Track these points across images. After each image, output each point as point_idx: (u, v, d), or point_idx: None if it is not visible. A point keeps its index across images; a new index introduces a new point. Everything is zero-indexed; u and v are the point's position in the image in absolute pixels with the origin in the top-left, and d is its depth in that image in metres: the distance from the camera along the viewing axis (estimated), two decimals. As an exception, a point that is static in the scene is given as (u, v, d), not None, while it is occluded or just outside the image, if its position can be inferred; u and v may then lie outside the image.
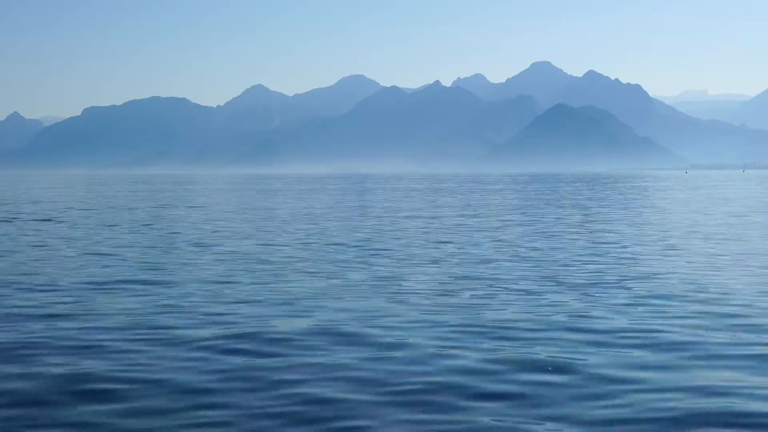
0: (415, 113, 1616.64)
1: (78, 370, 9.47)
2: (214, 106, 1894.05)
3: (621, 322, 12.09)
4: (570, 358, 9.87)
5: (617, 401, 8.27)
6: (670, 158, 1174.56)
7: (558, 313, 12.77)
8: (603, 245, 23.55)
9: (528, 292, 14.82)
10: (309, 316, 12.59)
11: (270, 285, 15.93)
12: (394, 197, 67.10)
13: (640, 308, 13.21)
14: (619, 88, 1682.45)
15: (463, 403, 8.29)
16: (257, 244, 24.51)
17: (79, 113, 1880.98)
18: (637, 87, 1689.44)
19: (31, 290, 15.41)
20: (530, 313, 12.75)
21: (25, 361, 10.00)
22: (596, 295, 14.52)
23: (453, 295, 14.61)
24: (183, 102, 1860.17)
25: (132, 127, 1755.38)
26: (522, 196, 69.85)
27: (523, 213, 41.53)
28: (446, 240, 25.75)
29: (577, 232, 28.49)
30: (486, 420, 7.77)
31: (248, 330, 11.51)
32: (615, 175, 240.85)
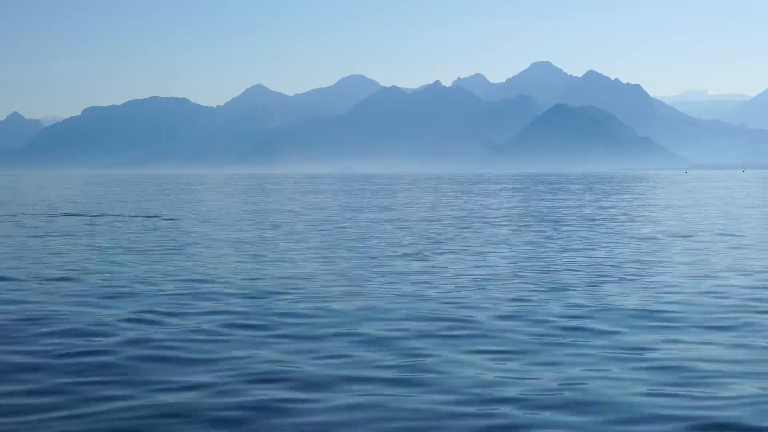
0: (415, 113, 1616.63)
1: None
2: (214, 106, 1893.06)
3: None
4: None
5: None
6: (670, 158, 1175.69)
7: None
8: None
9: None
10: None
11: None
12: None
13: None
14: (619, 88, 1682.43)
15: None
16: None
17: (79, 113, 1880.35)
18: (637, 87, 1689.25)
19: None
20: None
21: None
22: None
23: None
24: (183, 102, 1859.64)
25: (132, 127, 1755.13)
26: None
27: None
28: None
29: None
30: None
31: None
32: (629, 176, 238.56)
